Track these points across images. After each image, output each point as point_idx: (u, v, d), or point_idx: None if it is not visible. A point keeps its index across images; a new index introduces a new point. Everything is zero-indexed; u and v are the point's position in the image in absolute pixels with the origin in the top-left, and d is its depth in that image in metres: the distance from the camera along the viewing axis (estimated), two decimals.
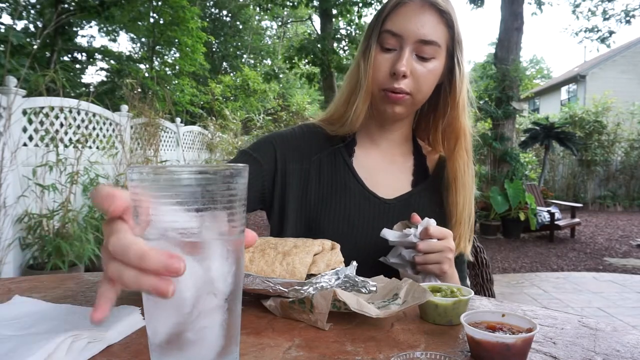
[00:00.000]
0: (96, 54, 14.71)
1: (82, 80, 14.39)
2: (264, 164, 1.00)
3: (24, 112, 3.89)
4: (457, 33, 0.95)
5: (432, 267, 0.85)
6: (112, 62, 15.07)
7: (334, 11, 10.11)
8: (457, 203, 0.98)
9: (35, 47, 7.05)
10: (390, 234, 0.88)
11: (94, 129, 4.87)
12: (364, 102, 0.96)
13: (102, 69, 15.38)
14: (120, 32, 16.15)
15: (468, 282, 1.19)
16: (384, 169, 1.05)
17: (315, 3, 10.27)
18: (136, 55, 16.87)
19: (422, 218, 1.00)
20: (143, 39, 16.20)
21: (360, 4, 9.75)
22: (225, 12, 20.44)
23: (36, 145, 4.04)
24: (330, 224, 0.98)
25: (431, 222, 0.86)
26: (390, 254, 0.91)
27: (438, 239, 0.85)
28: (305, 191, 1.01)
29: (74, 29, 13.60)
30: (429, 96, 0.99)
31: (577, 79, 17.68)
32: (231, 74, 17.51)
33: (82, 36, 16.20)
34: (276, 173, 1.01)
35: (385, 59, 0.93)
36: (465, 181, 0.98)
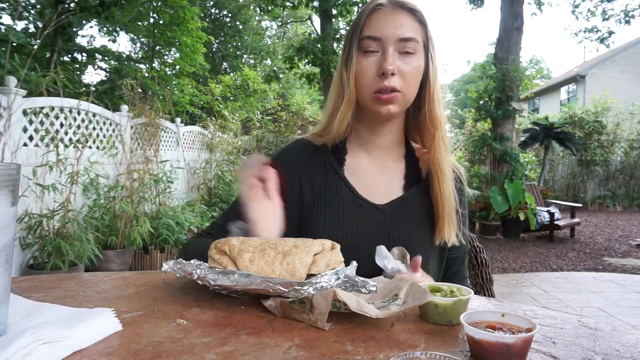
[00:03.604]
0: (96, 54, 14.70)
1: (83, 80, 14.39)
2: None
3: (24, 112, 3.89)
4: (429, 30, 1.01)
5: None
6: (112, 62, 15.07)
7: (334, 11, 10.09)
8: (442, 191, 1.01)
9: (35, 47, 7.06)
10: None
11: (94, 129, 4.87)
12: (347, 109, 1.00)
13: (101, 68, 15.39)
14: (120, 32, 16.13)
15: (468, 283, 1.19)
16: (375, 175, 1.07)
17: (315, 3, 10.26)
18: (136, 55, 16.86)
19: (415, 220, 1.02)
20: (143, 39, 16.19)
21: (360, 4, 9.75)
22: (225, 12, 20.43)
23: (36, 145, 4.04)
24: (326, 233, 1.00)
25: (401, 268, 0.89)
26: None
27: None
28: (300, 203, 1.04)
29: (74, 29, 13.59)
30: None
31: (576, 79, 17.70)
32: (231, 74, 17.50)
33: (82, 36, 16.19)
34: None
35: (370, 62, 0.96)
36: (447, 169, 1.02)
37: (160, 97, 7.24)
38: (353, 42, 0.98)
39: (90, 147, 4.74)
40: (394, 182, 1.06)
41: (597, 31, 13.35)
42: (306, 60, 9.86)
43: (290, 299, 0.68)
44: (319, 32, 10.61)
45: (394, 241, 1.00)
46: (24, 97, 3.83)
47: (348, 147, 1.08)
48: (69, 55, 14.03)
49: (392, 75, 0.94)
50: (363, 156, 1.08)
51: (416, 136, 1.12)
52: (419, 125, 1.06)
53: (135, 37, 16.86)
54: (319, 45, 9.51)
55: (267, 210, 0.93)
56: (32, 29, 12.40)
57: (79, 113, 4.59)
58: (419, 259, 0.91)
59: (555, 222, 6.68)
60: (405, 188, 1.06)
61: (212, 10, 20.16)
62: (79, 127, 4.60)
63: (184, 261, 0.78)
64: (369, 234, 1.00)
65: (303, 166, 1.06)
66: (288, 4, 10.57)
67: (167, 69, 14.07)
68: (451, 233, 1.01)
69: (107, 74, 15.34)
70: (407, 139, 1.11)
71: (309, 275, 0.76)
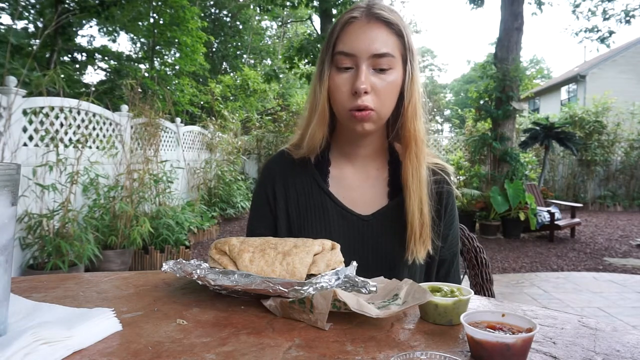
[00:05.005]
0: (96, 54, 14.70)
1: (83, 80, 14.39)
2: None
3: (24, 112, 3.89)
4: (408, 41, 0.96)
5: None
6: (112, 62, 15.07)
7: (334, 11, 10.10)
8: (408, 207, 0.98)
9: (35, 47, 7.05)
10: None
11: (94, 129, 4.87)
12: (318, 126, 0.99)
13: (101, 68, 15.39)
14: (120, 32, 16.13)
15: (462, 276, 1.18)
16: (359, 185, 1.06)
17: (315, 3, 10.25)
18: (136, 55, 16.86)
19: (399, 229, 1.00)
20: (143, 39, 16.19)
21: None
22: (225, 12, 20.44)
23: (36, 145, 4.04)
24: None
25: None
26: None
27: None
28: (287, 217, 1.04)
29: (74, 29, 13.60)
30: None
31: (577, 79, 17.70)
32: (231, 74, 17.49)
33: (82, 36, 16.22)
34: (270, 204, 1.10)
35: (344, 79, 0.94)
36: (414, 187, 0.98)
37: (160, 97, 7.24)
38: (327, 57, 0.96)
39: (90, 147, 4.74)
40: (378, 191, 1.05)
41: (597, 31, 13.37)
42: (306, 60, 9.86)
43: (290, 299, 0.68)
44: (319, 32, 10.62)
45: (380, 251, 1.00)
46: (23, 97, 3.83)
47: (331, 157, 1.07)
48: (69, 55, 14.04)
49: (366, 94, 0.92)
50: (346, 166, 1.07)
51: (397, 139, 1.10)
52: (397, 136, 1.04)
53: (135, 37, 16.86)
54: (319, 45, 9.51)
55: None
56: (32, 29, 12.40)
57: (79, 113, 4.59)
58: None
59: (556, 222, 6.68)
60: (390, 196, 1.04)
61: (212, 10, 20.17)
62: (79, 127, 4.60)
63: (184, 261, 0.78)
64: (356, 245, 1.00)
65: (287, 181, 1.06)
66: (288, 3, 10.57)
67: (167, 69, 14.06)
68: (420, 251, 0.98)
69: (107, 74, 15.35)
70: (392, 144, 1.09)
71: (309, 275, 0.76)
